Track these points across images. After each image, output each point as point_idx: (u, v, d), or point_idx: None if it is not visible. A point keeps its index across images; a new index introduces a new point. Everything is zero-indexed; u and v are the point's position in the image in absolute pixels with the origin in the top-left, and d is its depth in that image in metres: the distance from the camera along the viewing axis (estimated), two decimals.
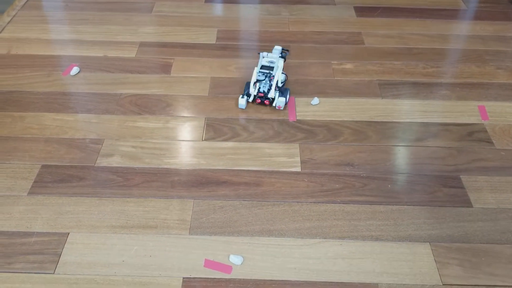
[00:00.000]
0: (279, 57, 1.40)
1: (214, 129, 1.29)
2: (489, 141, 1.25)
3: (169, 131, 1.28)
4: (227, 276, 0.94)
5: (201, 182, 1.13)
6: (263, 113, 1.34)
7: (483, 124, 1.31)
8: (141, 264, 0.95)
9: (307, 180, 1.14)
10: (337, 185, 1.13)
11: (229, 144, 1.24)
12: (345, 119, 1.33)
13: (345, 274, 0.94)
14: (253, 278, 0.93)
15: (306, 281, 0.93)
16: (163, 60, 1.56)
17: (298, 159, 1.20)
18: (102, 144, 1.23)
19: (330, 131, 1.28)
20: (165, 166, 1.17)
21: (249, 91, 1.35)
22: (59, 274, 0.93)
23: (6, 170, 1.15)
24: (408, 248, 0.99)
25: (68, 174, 1.14)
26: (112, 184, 1.12)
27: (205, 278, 0.93)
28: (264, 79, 1.34)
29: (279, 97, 1.33)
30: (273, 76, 1.35)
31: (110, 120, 1.31)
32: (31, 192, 1.09)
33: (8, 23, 1.73)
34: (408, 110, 1.36)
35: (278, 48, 1.42)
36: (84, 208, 1.06)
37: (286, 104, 1.36)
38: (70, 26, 1.72)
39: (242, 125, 1.30)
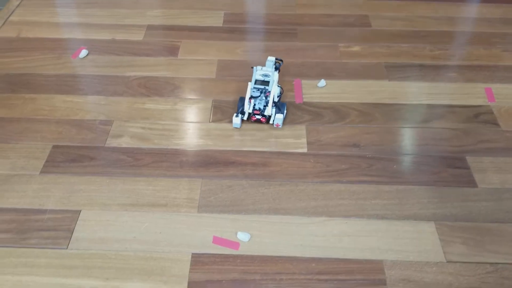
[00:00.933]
0: (273, 69, 1.31)
1: (222, 111, 1.30)
2: (495, 123, 1.26)
3: (177, 112, 1.30)
4: (234, 252, 0.96)
5: (209, 162, 1.15)
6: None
7: (489, 106, 1.32)
8: (152, 240, 0.98)
9: (313, 160, 1.16)
10: (343, 166, 1.15)
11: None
12: (352, 101, 1.34)
13: (350, 251, 0.96)
14: (260, 254, 0.96)
15: (312, 257, 0.95)
16: (171, 43, 1.57)
17: (304, 140, 1.22)
18: (111, 125, 1.25)
19: (336, 112, 1.30)
20: (174, 147, 1.19)
21: (243, 108, 1.25)
22: (72, 249, 0.96)
23: (19, 150, 1.17)
24: (413, 227, 1.01)
25: (79, 154, 1.17)
26: (122, 164, 1.14)
27: (214, 254, 0.95)
28: (259, 95, 1.24)
29: (277, 114, 1.23)
30: (269, 92, 1.24)
31: (119, 102, 1.33)
32: (43, 171, 1.12)
33: (17, 6, 1.75)
34: (414, 92, 1.37)
35: (271, 60, 1.30)
36: (96, 187, 1.09)
37: (284, 119, 1.26)
38: (78, 9, 1.73)
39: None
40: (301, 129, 1.25)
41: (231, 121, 1.26)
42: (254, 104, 1.23)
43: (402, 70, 1.45)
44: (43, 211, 1.03)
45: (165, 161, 1.16)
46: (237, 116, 1.24)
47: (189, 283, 0.90)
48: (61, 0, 1.80)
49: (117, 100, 1.33)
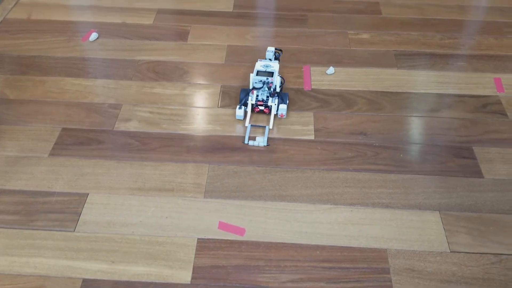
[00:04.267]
0: (275, 59, 1.33)
1: (230, 97, 1.30)
2: (503, 113, 1.25)
3: (185, 97, 1.30)
4: (240, 238, 0.97)
5: (216, 147, 1.16)
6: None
7: (498, 96, 1.31)
8: (158, 224, 0.99)
9: (320, 148, 1.16)
10: (349, 154, 1.15)
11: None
12: (360, 89, 1.33)
13: (355, 239, 0.97)
14: (264, 240, 0.96)
15: (317, 244, 0.96)
16: (180, 28, 1.56)
17: (312, 127, 1.22)
18: (120, 109, 1.26)
19: (344, 100, 1.29)
20: (182, 132, 1.20)
21: (246, 99, 1.24)
22: (79, 232, 0.97)
23: (28, 132, 1.19)
24: (418, 216, 1.01)
25: (88, 137, 1.18)
26: (130, 148, 1.15)
27: (219, 239, 0.97)
28: (262, 86, 1.25)
29: (280, 104, 1.23)
30: (272, 82, 1.25)
31: (128, 86, 1.33)
32: (52, 154, 1.13)
33: None
34: (423, 81, 1.36)
35: (271, 50, 1.30)
36: (103, 170, 1.10)
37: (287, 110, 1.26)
38: None
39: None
40: (309, 116, 1.25)
41: (239, 107, 1.26)
42: (257, 95, 1.23)
43: (411, 59, 1.44)
44: (51, 194, 1.04)
45: (172, 145, 1.16)
46: (240, 108, 1.23)
47: (194, 268, 0.92)
48: None
49: (126, 84, 1.34)
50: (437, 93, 1.32)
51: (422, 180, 1.09)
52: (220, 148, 1.16)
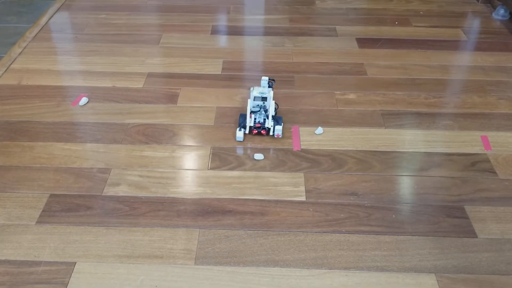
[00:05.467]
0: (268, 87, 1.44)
1: (220, 158, 1.30)
2: (492, 171, 1.26)
3: (175, 160, 1.30)
4: None
5: (206, 211, 1.14)
6: (267, 142, 1.36)
7: (486, 154, 1.33)
8: None
9: (312, 209, 1.15)
10: (342, 215, 1.14)
11: (235, 173, 1.26)
12: (349, 149, 1.34)
13: None
14: None
15: None
16: (170, 90, 1.59)
17: (303, 188, 1.21)
18: (109, 173, 1.25)
19: (334, 160, 1.30)
20: (171, 195, 1.19)
21: (245, 123, 1.37)
22: None
23: (16, 199, 1.16)
24: (414, 279, 0.99)
25: (76, 203, 1.16)
26: (119, 213, 1.13)
27: None
28: (259, 110, 1.38)
29: (276, 126, 1.36)
30: (267, 106, 1.39)
31: (118, 149, 1.33)
32: (39, 221, 1.11)
33: (19, 54, 1.78)
34: (411, 140, 1.38)
35: (265, 79, 1.42)
36: (91, 238, 1.07)
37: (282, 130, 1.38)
38: (80, 58, 1.76)
39: (247, 154, 1.32)
40: (300, 177, 1.25)
41: (230, 169, 1.26)
42: (255, 118, 1.37)
43: (398, 118, 1.47)
44: (38, 263, 1.01)
45: (162, 210, 1.15)
46: (240, 130, 1.35)
47: None
48: (62, 48, 1.83)
49: (115, 147, 1.34)
50: (425, 152, 1.33)
51: (416, 241, 1.08)
52: (211, 211, 1.14)
